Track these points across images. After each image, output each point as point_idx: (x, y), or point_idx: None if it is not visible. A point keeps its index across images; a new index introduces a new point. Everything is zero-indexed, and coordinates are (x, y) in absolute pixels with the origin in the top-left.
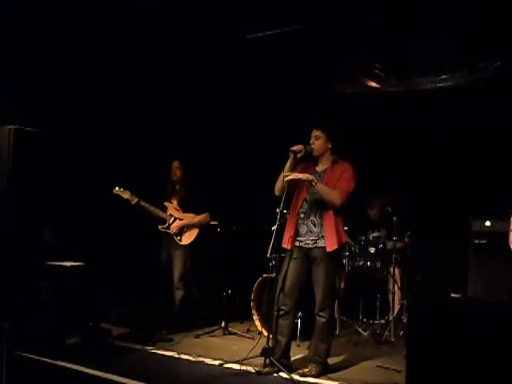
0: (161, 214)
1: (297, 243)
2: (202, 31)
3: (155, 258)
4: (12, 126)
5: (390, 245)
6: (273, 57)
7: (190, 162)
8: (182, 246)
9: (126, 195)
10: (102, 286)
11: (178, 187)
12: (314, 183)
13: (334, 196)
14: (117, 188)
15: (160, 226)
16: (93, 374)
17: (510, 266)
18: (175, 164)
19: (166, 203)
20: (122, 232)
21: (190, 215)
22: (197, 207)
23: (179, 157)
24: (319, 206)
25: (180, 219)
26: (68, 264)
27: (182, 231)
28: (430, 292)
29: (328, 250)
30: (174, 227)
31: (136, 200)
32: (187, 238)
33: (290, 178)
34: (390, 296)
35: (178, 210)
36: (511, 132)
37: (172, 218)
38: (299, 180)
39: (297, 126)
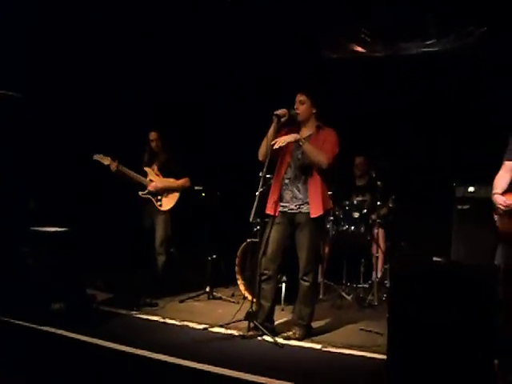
0: (141, 179)
1: (281, 208)
2: None
3: (138, 224)
4: None
5: (374, 211)
6: (257, 21)
7: (169, 131)
8: (163, 211)
9: (107, 161)
10: (86, 252)
11: (157, 154)
12: (301, 142)
13: (321, 157)
14: (96, 154)
15: (140, 193)
16: (78, 339)
17: (492, 231)
18: (153, 136)
19: (145, 168)
20: (106, 199)
21: (171, 180)
22: (177, 172)
23: (157, 127)
24: (304, 171)
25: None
26: (52, 229)
27: (161, 195)
28: (413, 256)
29: (313, 216)
30: (151, 187)
31: (116, 166)
32: (168, 203)
33: (278, 145)
34: (374, 260)
35: (158, 175)
36: (496, 97)
37: (152, 183)
38: (286, 144)
39: (282, 91)
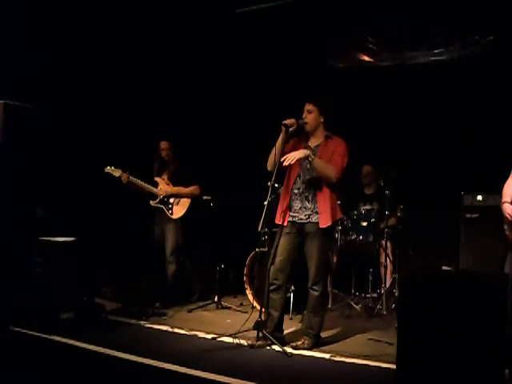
0: (152, 189)
1: (290, 218)
2: (192, 6)
3: (148, 233)
4: (1, 101)
5: (382, 220)
6: (264, 31)
7: (179, 140)
8: (174, 220)
9: (117, 173)
10: (95, 262)
11: (167, 163)
12: (310, 158)
13: (331, 171)
14: (108, 167)
15: (151, 201)
16: (87, 349)
17: (501, 240)
18: (164, 145)
19: (156, 178)
20: (115, 208)
21: (181, 188)
22: (187, 181)
23: (167, 137)
24: (313, 182)
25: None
26: (60, 239)
27: (172, 203)
28: (422, 265)
29: (322, 226)
30: (162, 192)
31: (127, 177)
32: (178, 211)
33: (287, 162)
34: (382, 269)
35: (168, 185)
36: (503, 106)
37: (163, 189)
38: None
39: (289, 101)
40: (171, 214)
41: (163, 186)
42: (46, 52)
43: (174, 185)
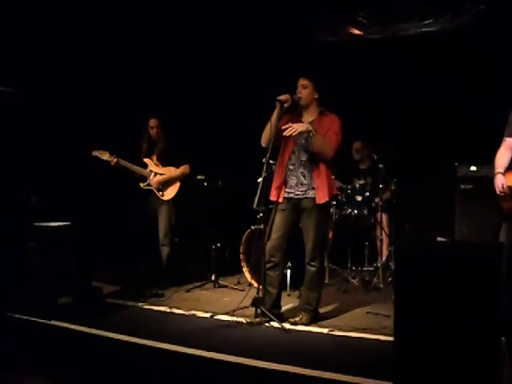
0: (141, 171)
1: (285, 194)
2: None
3: (141, 215)
4: None
5: (376, 194)
6: (253, 6)
7: (168, 118)
8: (166, 201)
9: (105, 156)
10: (91, 245)
11: (156, 142)
12: (312, 134)
13: (327, 150)
14: (95, 150)
15: (141, 184)
16: (87, 332)
17: (495, 210)
18: (153, 123)
19: (145, 159)
20: (108, 191)
21: (171, 168)
22: (176, 160)
23: (156, 114)
24: (308, 157)
25: (161, 174)
26: (56, 224)
27: (163, 186)
28: (417, 237)
29: (319, 202)
30: (154, 183)
31: (115, 160)
32: (170, 193)
33: (289, 133)
34: (378, 243)
35: (157, 165)
36: (495, 76)
37: (153, 174)
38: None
39: (280, 77)
40: (162, 195)
41: (153, 168)
42: (33, 37)
43: (163, 165)
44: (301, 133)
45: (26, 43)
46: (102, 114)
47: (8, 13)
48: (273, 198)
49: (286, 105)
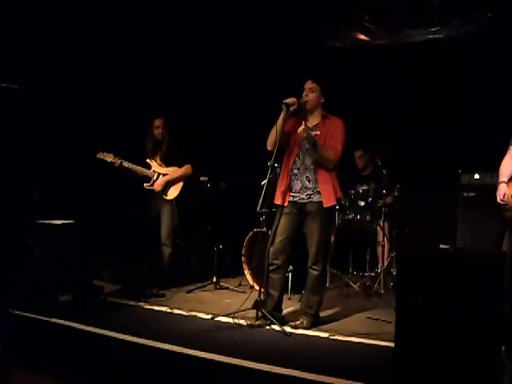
0: (145, 171)
1: (290, 198)
2: None
3: (144, 214)
4: None
5: (379, 199)
6: (259, 9)
7: (172, 119)
8: (169, 201)
9: (109, 158)
10: (92, 244)
11: (160, 142)
12: (316, 144)
13: (330, 160)
14: (100, 153)
15: (145, 184)
16: (86, 331)
17: (498, 218)
18: (159, 123)
19: (148, 160)
20: (111, 190)
21: (174, 169)
22: (179, 160)
23: (162, 115)
24: (312, 161)
25: (164, 174)
26: (58, 222)
27: (167, 186)
28: (420, 244)
29: (326, 205)
30: (157, 185)
31: (119, 162)
32: (172, 193)
33: (303, 132)
34: (380, 249)
35: (161, 165)
36: (501, 84)
37: (156, 175)
38: (302, 135)
39: (286, 80)
40: (165, 195)
41: (156, 168)
42: (35, 34)
43: (167, 165)
44: (306, 138)
45: (36, 43)
46: (106, 114)
47: (17, 15)
48: (278, 201)
49: (292, 108)
